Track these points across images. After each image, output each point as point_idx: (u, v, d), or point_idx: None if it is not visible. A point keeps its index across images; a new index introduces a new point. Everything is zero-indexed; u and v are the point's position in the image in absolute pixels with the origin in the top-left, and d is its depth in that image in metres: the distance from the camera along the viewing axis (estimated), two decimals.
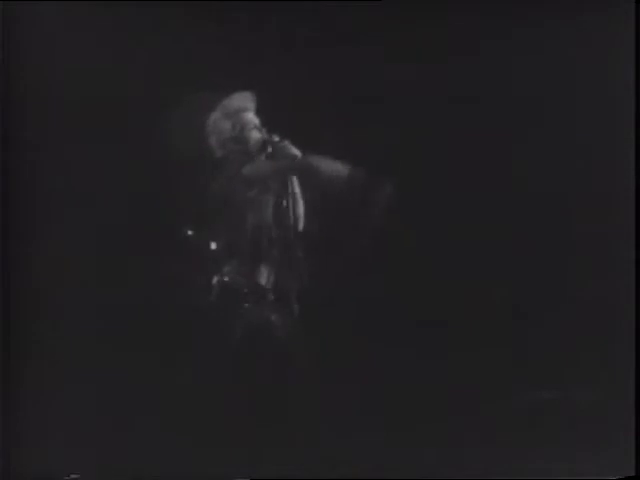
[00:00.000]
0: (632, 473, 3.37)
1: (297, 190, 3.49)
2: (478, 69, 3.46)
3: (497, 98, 3.45)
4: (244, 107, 3.46)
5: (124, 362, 3.43)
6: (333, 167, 3.33)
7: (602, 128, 3.47)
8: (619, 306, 3.45)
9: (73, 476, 3.40)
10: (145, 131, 3.42)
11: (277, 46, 3.45)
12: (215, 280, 3.47)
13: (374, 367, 3.45)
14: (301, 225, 3.49)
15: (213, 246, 3.48)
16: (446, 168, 3.44)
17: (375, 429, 3.42)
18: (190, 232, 3.48)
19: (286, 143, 3.45)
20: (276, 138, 3.46)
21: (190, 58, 3.45)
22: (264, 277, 3.48)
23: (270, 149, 3.46)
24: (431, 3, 3.46)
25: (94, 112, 3.44)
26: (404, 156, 3.38)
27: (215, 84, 3.42)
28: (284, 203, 3.47)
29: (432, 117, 3.42)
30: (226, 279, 3.46)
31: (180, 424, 3.42)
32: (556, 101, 3.47)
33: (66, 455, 3.42)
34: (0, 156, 3.43)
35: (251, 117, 3.48)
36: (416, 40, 3.45)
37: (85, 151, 3.46)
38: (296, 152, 3.44)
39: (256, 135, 3.48)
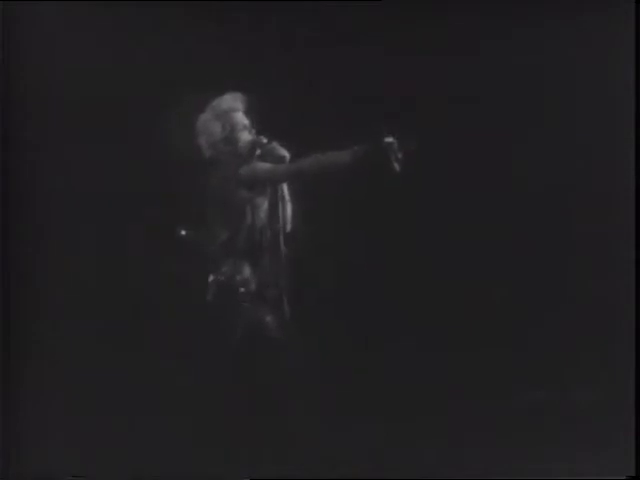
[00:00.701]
0: (632, 473, 3.37)
1: (291, 192, 3.49)
2: (478, 69, 3.46)
3: (497, 98, 3.45)
4: (234, 107, 3.46)
5: (124, 362, 3.43)
6: (330, 160, 3.33)
7: (602, 128, 3.47)
8: (619, 306, 3.45)
9: (73, 477, 3.40)
10: (145, 131, 3.42)
11: (277, 46, 3.45)
12: (211, 279, 3.47)
13: (373, 367, 3.45)
14: (295, 226, 3.49)
15: (209, 246, 3.48)
16: (446, 168, 3.44)
17: (375, 429, 3.42)
18: (186, 232, 3.48)
19: (275, 145, 3.45)
20: (264, 140, 3.46)
21: (190, 58, 3.45)
22: (260, 276, 3.48)
23: (259, 151, 3.46)
24: (431, 3, 3.46)
25: (94, 112, 3.44)
26: (403, 156, 3.37)
27: (214, 84, 3.41)
28: (279, 204, 3.47)
29: (432, 117, 3.41)
30: (222, 278, 3.46)
31: (180, 424, 3.42)
32: (556, 101, 3.47)
33: (66, 455, 3.42)
34: (0, 156, 3.43)
35: (240, 118, 3.48)
36: (416, 40, 3.45)
37: (85, 151, 3.46)
38: (285, 153, 3.44)
39: (245, 136, 3.48)
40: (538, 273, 3.47)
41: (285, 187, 3.48)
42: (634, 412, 3.40)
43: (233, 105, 3.46)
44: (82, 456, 3.42)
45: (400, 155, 3.27)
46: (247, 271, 3.47)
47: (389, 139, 3.26)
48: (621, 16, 3.46)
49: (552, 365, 3.46)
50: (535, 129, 3.47)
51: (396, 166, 3.26)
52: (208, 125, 3.45)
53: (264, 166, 3.43)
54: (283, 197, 3.47)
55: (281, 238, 3.47)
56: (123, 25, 3.46)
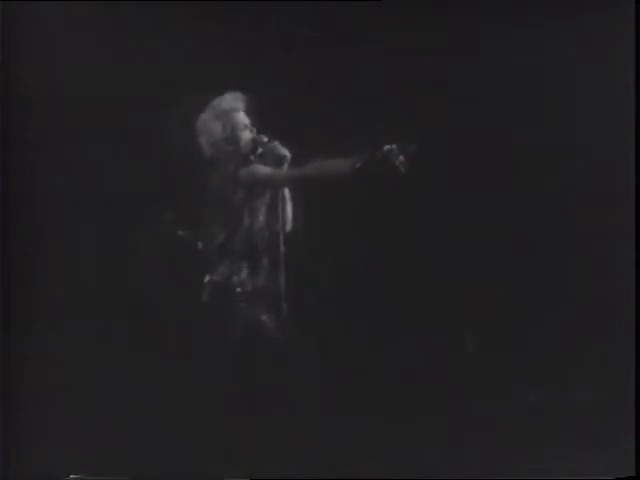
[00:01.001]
0: (632, 473, 3.37)
1: (290, 193, 3.49)
2: (478, 69, 3.46)
3: (497, 98, 3.45)
4: (235, 107, 3.46)
5: (124, 362, 3.43)
6: (329, 168, 3.33)
7: (602, 128, 3.47)
8: (619, 306, 3.44)
9: (73, 476, 3.40)
10: (145, 131, 3.42)
11: (277, 46, 3.45)
12: (211, 280, 3.47)
13: (373, 367, 3.45)
14: (294, 227, 3.49)
15: (209, 246, 3.48)
16: (446, 168, 3.44)
17: (375, 429, 3.42)
18: (187, 232, 3.48)
19: (276, 144, 3.45)
20: (265, 139, 3.46)
21: (190, 58, 3.45)
22: (260, 277, 3.48)
23: (260, 150, 3.46)
24: (431, 3, 3.46)
25: (94, 112, 3.44)
26: (403, 156, 3.37)
27: (214, 84, 3.41)
28: (278, 205, 3.47)
29: (432, 117, 3.41)
30: (219, 279, 3.46)
31: (180, 424, 3.42)
32: (556, 101, 3.47)
33: (66, 455, 3.42)
34: (0, 156, 3.43)
35: (241, 117, 3.48)
36: (416, 40, 3.45)
37: (85, 151, 3.46)
38: (286, 153, 3.44)
39: (246, 136, 3.48)
40: (538, 273, 3.47)
41: (286, 189, 3.48)
42: (634, 412, 3.40)
43: (233, 105, 3.46)
44: (82, 456, 3.42)
45: (401, 158, 3.27)
46: (247, 272, 3.47)
47: (389, 144, 3.26)
48: (621, 16, 3.46)
49: (552, 365, 3.46)
50: (535, 129, 3.47)
51: (400, 167, 3.26)
52: (208, 125, 3.45)
53: (265, 170, 3.43)
54: (284, 198, 3.47)
55: (281, 239, 3.47)
56: (123, 25, 3.46)
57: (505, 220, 3.46)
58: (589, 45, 3.47)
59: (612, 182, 3.47)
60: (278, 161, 3.43)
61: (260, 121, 3.49)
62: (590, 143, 3.47)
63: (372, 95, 3.44)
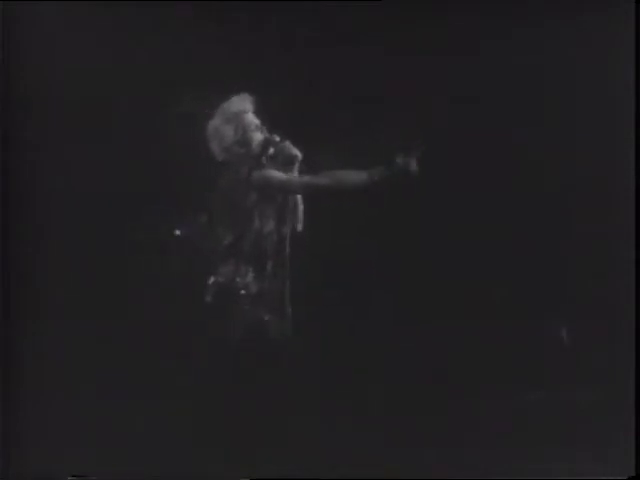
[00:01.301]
0: (632, 473, 3.37)
1: (297, 194, 3.50)
2: (478, 69, 3.46)
3: (497, 98, 3.45)
4: (243, 109, 3.46)
5: (124, 362, 3.43)
6: (344, 178, 3.35)
7: (602, 128, 3.47)
8: (619, 306, 3.45)
9: (73, 476, 3.40)
10: (145, 131, 3.42)
11: (277, 46, 3.45)
12: (216, 281, 3.47)
13: (373, 367, 3.45)
14: (302, 231, 3.49)
15: (212, 247, 3.49)
16: (446, 168, 3.44)
17: (375, 429, 3.42)
18: (189, 233, 3.49)
19: (287, 144, 3.45)
20: (277, 139, 3.47)
21: (190, 58, 3.45)
22: (261, 278, 3.48)
23: (272, 150, 3.46)
24: (431, 3, 3.46)
25: (94, 112, 3.44)
26: (403, 157, 3.38)
27: (214, 84, 3.41)
28: (285, 206, 3.48)
29: (432, 117, 3.41)
30: (223, 280, 3.47)
31: (180, 424, 3.42)
32: (556, 101, 3.47)
33: (66, 455, 3.42)
34: (0, 156, 3.43)
35: (251, 118, 3.48)
36: (416, 40, 3.45)
37: (85, 151, 3.46)
38: (297, 153, 3.44)
39: (257, 137, 3.48)
40: (538, 273, 3.47)
41: (298, 196, 3.49)
42: (634, 412, 3.40)
43: (242, 107, 3.46)
44: (82, 456, 3.42)
45: (415, 164, 3.30)
46: (253, 274, 3.47)
47: (399, 155, 3.29)
48: (621, 16, 3.46)
49: (552, 365, 3.46)
50: (535, 129, 3.47)
51: (414, 172, 3.28)
52: (219, 130, 3.45)
53: (279, 175, 3.44)
54: (295, 204, 3.48)
55: (287, 243, 3.48)
56: (123, 25, 3.46)
57: (505, 220, 3.46)
58: (589, 45, 3.47)
59: (612, 182, 3.47)
60: (289, 161, 3.43)
61: (263, 121, 3.49)
62: (590, 143, 3.47)
63: (372, 95, 3.44)
